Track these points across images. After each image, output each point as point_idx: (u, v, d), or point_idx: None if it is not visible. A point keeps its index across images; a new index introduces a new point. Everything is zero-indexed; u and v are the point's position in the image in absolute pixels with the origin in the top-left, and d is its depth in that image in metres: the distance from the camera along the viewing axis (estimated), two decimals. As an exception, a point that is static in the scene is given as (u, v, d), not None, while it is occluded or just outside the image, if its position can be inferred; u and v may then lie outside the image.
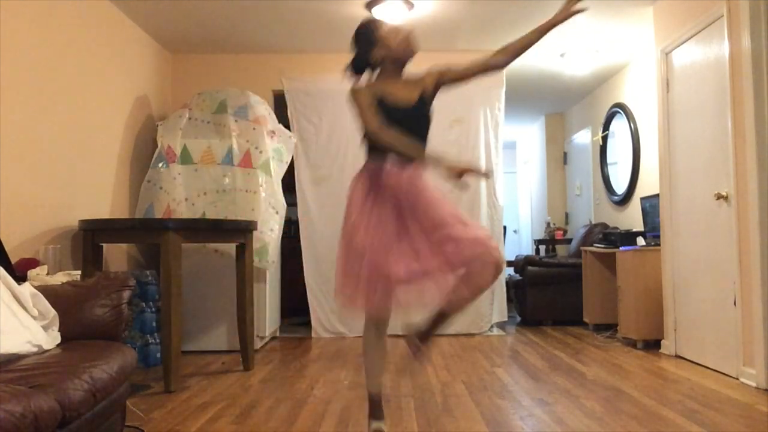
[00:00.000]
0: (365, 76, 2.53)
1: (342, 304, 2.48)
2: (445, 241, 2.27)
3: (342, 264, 2.41)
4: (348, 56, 2.55)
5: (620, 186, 6.12)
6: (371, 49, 2.47)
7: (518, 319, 6.32)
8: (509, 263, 6.19)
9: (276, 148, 4.73)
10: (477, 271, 2.25)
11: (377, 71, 2.51)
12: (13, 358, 1.96)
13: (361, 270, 2.30)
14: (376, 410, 2.55)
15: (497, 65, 2.51)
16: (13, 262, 2.77)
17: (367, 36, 2.48)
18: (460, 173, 2.19)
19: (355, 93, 2.39)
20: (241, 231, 3.95)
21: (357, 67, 2.52)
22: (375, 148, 2.44)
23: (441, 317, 2.40)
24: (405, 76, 2.52)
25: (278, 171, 4.72)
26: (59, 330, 2.30)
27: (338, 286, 2.42)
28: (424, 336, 2.49)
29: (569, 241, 7.06)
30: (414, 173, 2.38)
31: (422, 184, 2.38)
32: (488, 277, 2.26)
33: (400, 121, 2.35)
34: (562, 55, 5.56)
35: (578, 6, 2.37)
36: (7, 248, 2.73)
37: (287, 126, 5.22)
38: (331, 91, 5.50)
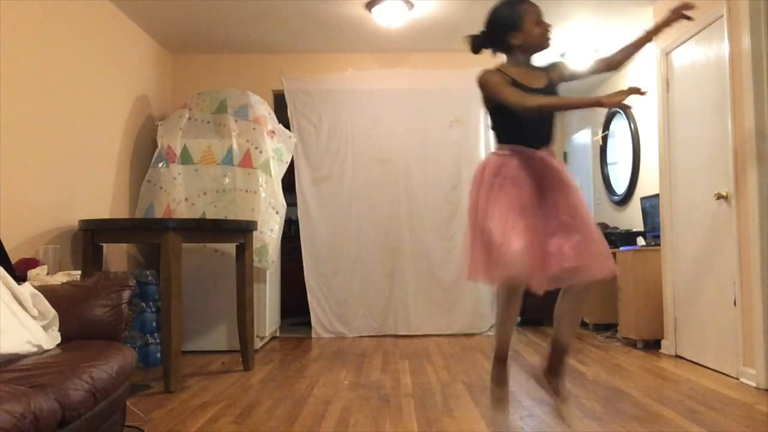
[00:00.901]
0: (484, 56, 2.49)
1: (473, 275, 2.40)
2: (574, 232, 2.27)
3: (472, 239, 2.37)
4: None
5: (620, 186, 6.11)
6: (510, 32, 2.43)
7: (518, 319, 6.31)
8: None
9: (276, 148, 4.73)
10: (585, 275, 2.27)
11: (506, 55, 2.48)
12: (13, 358, 1.96)
13: (493, 238, 2.26)
14: (498, 373, 2.45)
15: (615, 62, 2.65)
16: (13, 262, 2.77)
17: (510, 18, 2.43)
18: (624, 95, 2.24)
19: (488, 74, 2.37)
20: (241, 231, 3.95)
21: (483, 44, 2.49)
22: (509, 130, 2.41)
23: (557, 347, 2.42)
24: (529, 66, 2.50)
25: (278, 171, 4.72)
26: (59, 330, 2.30)
27: (470, 263, 2.37)
28: (552, 371, 2.45)
29: (569, 241, 7.04)
30: (549, 155, 2.42)
31: (561, 167, 2.41)
32: (592, 279, 2.29)
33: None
34: (562, 55, 5.55)
35: (688, 12, 2.42)
36: (7, 248, 2.73)
37: (287, 126, 5.22)
38: (331, 91, 5.51)
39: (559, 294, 2.44)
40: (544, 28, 2.43)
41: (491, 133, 2.60)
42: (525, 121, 2.34)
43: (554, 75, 2.48)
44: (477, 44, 2.50)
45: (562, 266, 2.25)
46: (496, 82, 2.33)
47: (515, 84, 2.34)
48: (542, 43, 2.44)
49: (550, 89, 2.44)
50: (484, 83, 2.37)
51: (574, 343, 2.43)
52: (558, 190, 2.36)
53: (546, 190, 2.36)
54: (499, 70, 2.42)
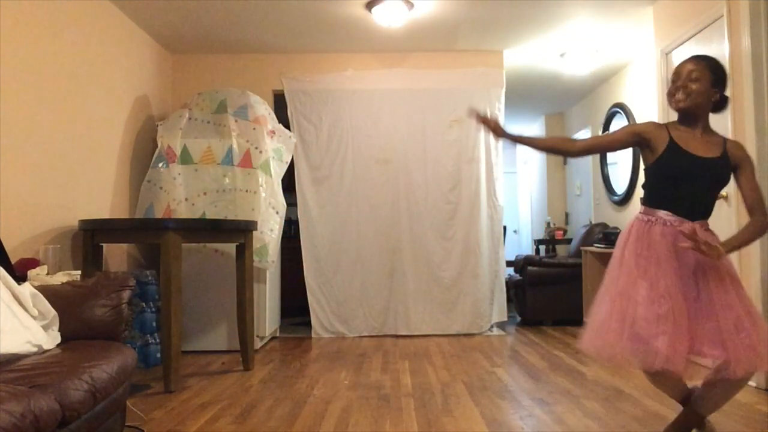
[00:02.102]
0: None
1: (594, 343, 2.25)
2: (730, 333, 2.11)
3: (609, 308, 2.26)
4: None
5: (620, 186, 6.12)
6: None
7: (518, 319, 6.32)
8: (509, 263, 6.19)
9: (276, 148, 4.73)
10: (732, 378, 2.14)
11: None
12: (13, 358, 1.96)
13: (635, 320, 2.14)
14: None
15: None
16: (13, 262, 2.77)
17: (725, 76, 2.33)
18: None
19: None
20: (241, 231, 3.95)
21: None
22: (664, 198, 2.29)
23: (691, 415, 2.36)
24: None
25: (278, 171, 4.72)
26: (59, 330, 2.30)
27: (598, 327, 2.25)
28: None
29: (569, 241, 7.06)
30: (706, 232, 2.27)
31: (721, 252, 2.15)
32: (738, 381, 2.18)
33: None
34: (562, 55, 5.56)
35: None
36: (7, 248, 2.73)
37: (287, 126, 5.23)
38: (331, 91, 5.51)
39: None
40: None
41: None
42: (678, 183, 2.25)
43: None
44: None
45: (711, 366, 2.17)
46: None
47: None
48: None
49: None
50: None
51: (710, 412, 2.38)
52: (712, 279, 2.19)
53: (697, 272, 2.21)
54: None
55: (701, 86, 2.25)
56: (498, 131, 2.48)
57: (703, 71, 2.26)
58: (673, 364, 2.06)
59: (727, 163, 2.27)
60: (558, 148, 2.61)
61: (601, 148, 2.67)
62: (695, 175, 2.24)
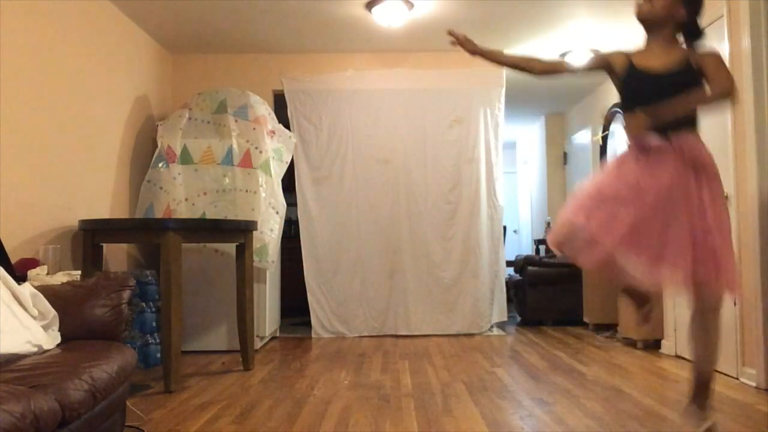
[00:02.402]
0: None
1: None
2: (703, 247, 2.19)
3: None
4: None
5: (620, 186, 6.11)
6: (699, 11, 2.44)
7: (518, 319, 6.32)
8: (509, 263, 6.19)
9: (276, 148, 4.73)
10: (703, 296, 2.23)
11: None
12: (13, 358, 1.96)
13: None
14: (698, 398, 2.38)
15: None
16: (13, 262, 2.77)
17: None
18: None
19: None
20: (241, 231, 3.95)
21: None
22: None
23: (698, 371, 2.37)
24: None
25: (278, 171, 4.72)
26: (59, 330, 2.30)
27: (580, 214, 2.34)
28: (698, 402, 2.38)
29: (569, 241, 7.03)
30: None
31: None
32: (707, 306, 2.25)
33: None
34: (562, 55, 5.55)
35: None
36: (7, 248, 2.73)
37: (287, 126, 5.22)
38: (331, 91, 5.51)
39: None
40: None
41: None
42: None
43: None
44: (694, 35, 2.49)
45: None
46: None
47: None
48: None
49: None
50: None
51: (711, 373, 2.37)
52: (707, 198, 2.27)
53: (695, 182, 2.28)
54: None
55: (666, 1, 2.41)
56: (467, 46, 2.59)
57: None
58: (600, 243, 2.17)
59: (690, 68, 2.35)
60: (521, 66, 2.65)
61: (564, 69, 2.71)
62: (655, 92, 2.31)
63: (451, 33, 2.63)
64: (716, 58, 2.36)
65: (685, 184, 2.26)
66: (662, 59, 2.40)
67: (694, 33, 2.44)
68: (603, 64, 2.54)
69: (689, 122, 2.36)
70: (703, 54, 2.38)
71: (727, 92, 2.25)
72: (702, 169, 2.29)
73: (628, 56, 2.49)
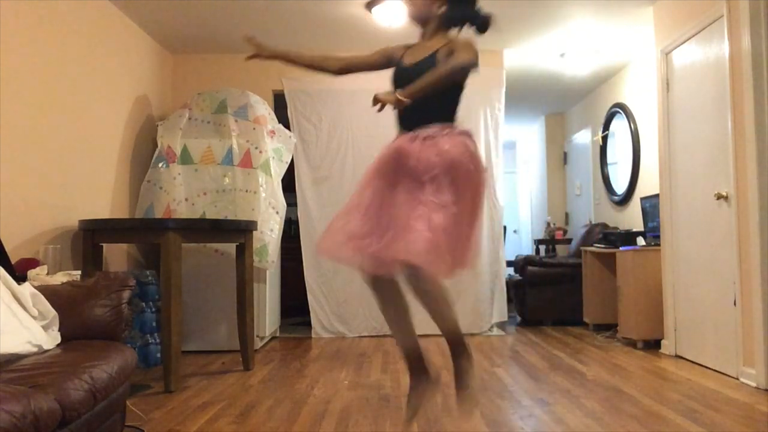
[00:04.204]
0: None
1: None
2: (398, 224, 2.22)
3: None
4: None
5: (620, 186, 6.12)
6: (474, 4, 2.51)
7: (518, 319, 6.32)
8: (509, 263, 6.19)
9: (276, 148, 4.73)
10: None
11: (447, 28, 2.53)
12: (13, 358, 1.96)
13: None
14: (413, 370, 2.46)
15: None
16: (13, 262, 2.77)
17: None
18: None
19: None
20: (241, 231, 3.95)
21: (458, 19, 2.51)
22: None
23: (455, 353, 2.42)
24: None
25: (278, 171, 4.72)
26: (59, 330, 2.30)
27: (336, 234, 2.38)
28: (459, 383, 2.47)
29: (569, 241, 7.06)
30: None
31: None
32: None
33: None
34: (562, 55, 5.55)
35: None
36: (7, 248, 2.73)
37: (287, 126, 5.22)
38: (331, 91, 5.51)
39: None
40: None
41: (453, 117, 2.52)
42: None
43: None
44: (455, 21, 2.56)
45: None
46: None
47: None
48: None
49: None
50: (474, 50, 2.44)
51: (457, 332, 2.46)
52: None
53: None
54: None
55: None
56: (264, 53, 2.55)
57: None
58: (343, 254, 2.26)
59: (433, 58, 2.36)
60: (316, 65, 2.63)
61: (358, 64, 2.65)
62: (400, 85, 2.30)
63: (249, 40, 2.55)
64: (465, 41, 2.40)
65: (400, 168, 2.29)
66: (419, 53, 2.45)
67: (467, 22, 2.50)
68: (385, 56, 2.57)
69: (439, 117, 2.36)
70: (456, 41, 2.43)
71: (460, 65, 2.26)
72: (441, 160, 2.26)
73: (405, 49, 2.55)
